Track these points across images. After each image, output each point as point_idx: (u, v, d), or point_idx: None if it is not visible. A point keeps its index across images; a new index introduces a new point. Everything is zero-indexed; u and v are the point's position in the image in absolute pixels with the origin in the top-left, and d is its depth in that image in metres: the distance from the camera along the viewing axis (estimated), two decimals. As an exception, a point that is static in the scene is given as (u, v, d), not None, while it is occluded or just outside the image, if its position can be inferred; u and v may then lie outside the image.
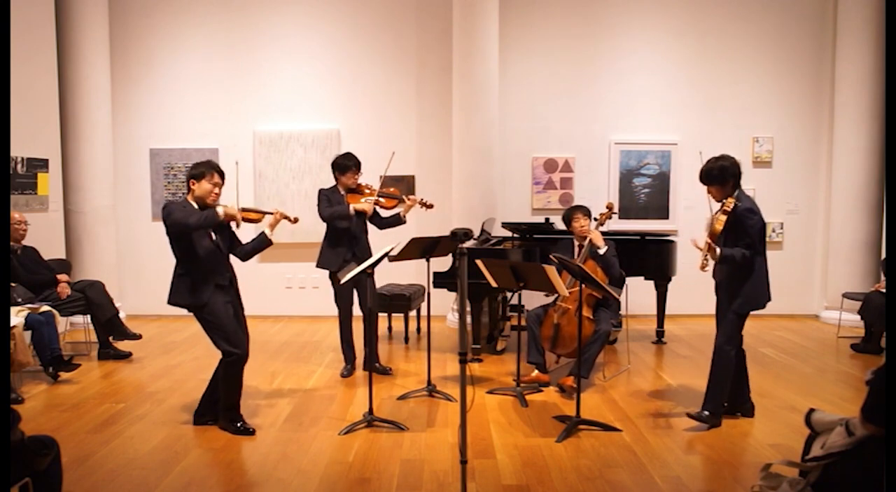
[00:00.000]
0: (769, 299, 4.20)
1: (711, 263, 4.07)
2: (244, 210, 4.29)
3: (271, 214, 4.34)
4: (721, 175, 4.11)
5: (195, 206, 4.09)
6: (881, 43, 7.25)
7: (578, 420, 4.22)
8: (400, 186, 7.59)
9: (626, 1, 7.87)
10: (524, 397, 4.80)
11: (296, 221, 4.46)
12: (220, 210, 4.03)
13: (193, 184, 4.10)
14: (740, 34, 7.89)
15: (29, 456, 2.51)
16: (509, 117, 7.84)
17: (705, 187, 4.23)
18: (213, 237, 4.14)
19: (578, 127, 7.94)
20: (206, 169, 4.11)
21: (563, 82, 7.94)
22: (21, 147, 6.51)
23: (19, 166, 6.54)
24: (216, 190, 4.13)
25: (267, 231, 4.28)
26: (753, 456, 3.81)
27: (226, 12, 7.91)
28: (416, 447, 3.95)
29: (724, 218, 4.01)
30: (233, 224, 4.21)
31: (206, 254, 4.07)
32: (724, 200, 4.09)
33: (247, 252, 4.36)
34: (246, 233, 4.45)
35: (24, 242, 5.84)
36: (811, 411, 2.77)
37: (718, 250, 4.01)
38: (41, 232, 6.55)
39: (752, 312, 4.19)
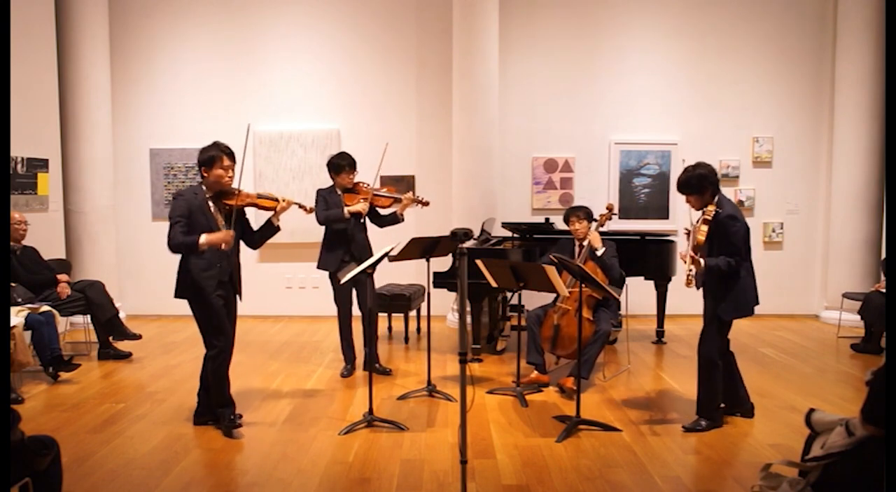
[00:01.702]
0: (757, 303, 4.16)
1: (697, 273, 3.97)
2: (260, 197, 4.26)
3: (279, 201, 4.26)
4: (699, 184, 4.04)
5: (207, 193, 4.08)
6: (881, 43, 7.25)
7: (578, 420, 4.22)
8: (400, 186, 7.60)
9: (626, 1, 7.87)
10: (524, 397, 4.80)
11: (311, 210, 4.65)
12: (201, 241, 3.89)
13: (205, 171, 4.09)
14: (740, 34, 7.89)
15: (29, 456, 2.51)
16: (509, 117, 7.84)
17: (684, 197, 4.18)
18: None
19: (578, 127, 7.94)
20: (216, 153, 4.07)
21: (563, 82, 7.93)
22: (21, 147, 6.50)
23: (19, 166, 6.54)
24: (229, 173, 4.11)
25: (273, 219, 4.27)
26: (753, 456, 3.81)
27: (226, 12, 7.91)
28: (416, 447, 3.95)
29: (705, 228, 3.94)
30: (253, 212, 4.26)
31: (209, 251, 4.03)
32: (705, 209, 4.01)
33: (256, 240, 4.38)
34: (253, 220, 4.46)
35: (24, 242, 5.84)
36: (811, 411, 2.77)
37: (703, 262, 3.94)
38: (41, 232, 6.55)
39: (747, 314, 4.18)
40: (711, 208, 3.98)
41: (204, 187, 4.12)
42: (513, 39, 7.83)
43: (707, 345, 4.18)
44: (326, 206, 5.32)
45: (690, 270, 3.86)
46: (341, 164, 5.35)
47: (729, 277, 4.04)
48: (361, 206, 5.32)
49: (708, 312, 4.20)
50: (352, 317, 5.49)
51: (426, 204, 5.51)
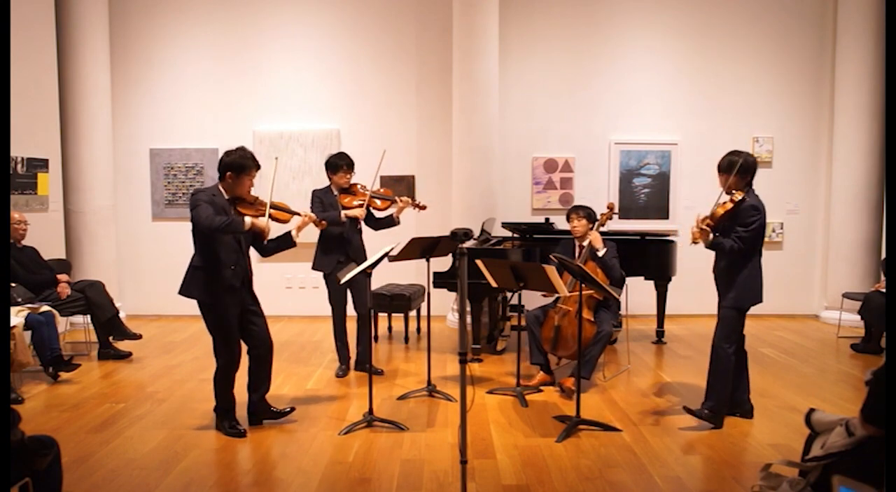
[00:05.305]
0: (759, 300, 4.20)
1: (702, 241, 4.08)
2: (275, 208, 4.16)
3: (299, 215, 4.26)
4: (742, 170, 4.10)
5: (225, 196, 4.02)
6: (881, 43, 7.25)
7: (578, 420, 4.22)
8: (400, 187, 7.60)
9: (626, 1, 7.87)
10: (524, 397, 4.80)
11: (324, 225, 4.48)
12: (247, 221, 3.92)
13: (231, 177, 3.99)
14: (740, 34, 7.89)
15: (29, 456, 2.51)
16: (509, 117, 7.83)
17: (719, 178, 4.21)
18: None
19: (578, 127, 7.94)
20: (248, 163, 3.99)
21: (563, 82, 7.93)
22: (21, 147, 6.51)
23: (19, 166, 6.54)
24: (253, 183, 4.10)
25: (293, 233, 4.22)
26: (753, 456, 3.81)
27: (226, 12, 7.90)
28: (416, 447, 3.95)
29: (730, 205, 4.05)
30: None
31: (224, 251, 3.98)
32: (734, 191, 4.11)
33: (269, 249, 4.29)
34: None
35: (24, 242, 5.84)
36: (811, 411, 2.77)
37: (711, 235, 4.03)
38: (41, 232, 6.54)
39: (751, 312, 4.20)
40: (740, 193, 4.08)
41: (223, 190, 4.04)
42: (513, 40, 7.83)
43: (721, 338, 4.22)
44: (322, 207, 5.29)
45: (697, 229, 4.00)
46: (339, 163, 5.33)
47: (736, 266, 4.10)
48: (359, 211, 5.30)
49: (720, 303, 4.26)
50: (346, 317, 5.49)
51: (423, 208, 5.51)
